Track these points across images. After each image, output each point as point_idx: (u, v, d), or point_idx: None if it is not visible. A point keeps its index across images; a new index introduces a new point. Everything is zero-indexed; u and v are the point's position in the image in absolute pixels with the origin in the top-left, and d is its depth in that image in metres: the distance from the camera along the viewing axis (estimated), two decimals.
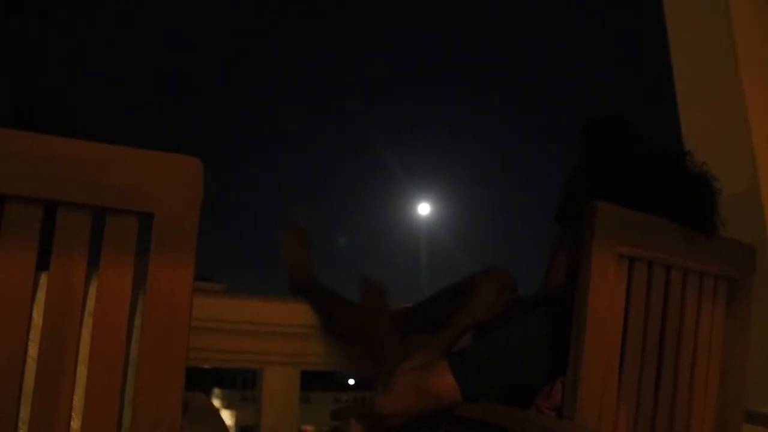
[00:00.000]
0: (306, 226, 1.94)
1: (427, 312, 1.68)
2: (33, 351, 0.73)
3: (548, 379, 1.15)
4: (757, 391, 1.46)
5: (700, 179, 1.26)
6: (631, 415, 1.12)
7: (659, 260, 1.16)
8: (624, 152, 1.31)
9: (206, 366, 2.28)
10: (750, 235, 1.38)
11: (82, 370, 0.74)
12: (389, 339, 1.60)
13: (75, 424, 0.74)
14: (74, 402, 0.74)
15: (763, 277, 1.32)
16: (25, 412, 0.72)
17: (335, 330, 1.85)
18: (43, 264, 0.73)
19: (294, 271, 1.91)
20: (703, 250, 1.21)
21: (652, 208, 1.17)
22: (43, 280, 0.74)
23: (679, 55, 2.44)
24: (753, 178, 2.11)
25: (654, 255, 1.15)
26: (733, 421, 1.26)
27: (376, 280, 1.89)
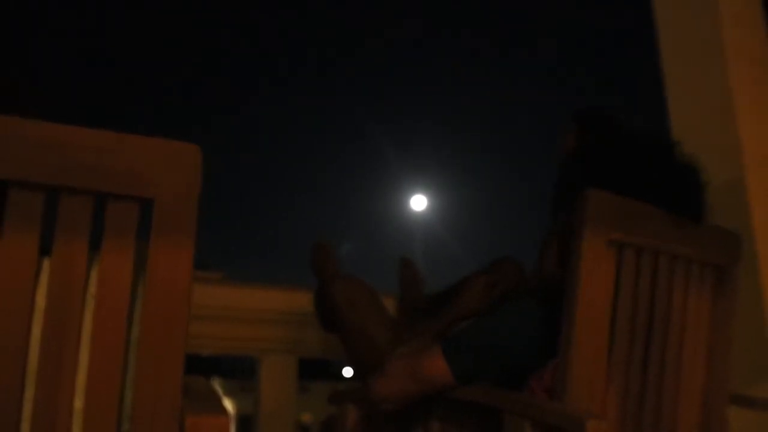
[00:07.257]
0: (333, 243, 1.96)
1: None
2: (37, 333, 0.75)
3: (540, 362, 1.18)
4: (742, 376, 1.49)
5: (689, 169, 1.28)
6: (619, 396, 1.15)
7: (648, 246, 1.19)
8: (615, 141, 1.33)
9: (204, 353, 2.31)
10: (735, 224, 1.40)
11: (84, 352, 0.76)
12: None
13: (78, 404, 0.76)
14: (77, 383, 0.75)
15: (747, 264, 1.34)
16: (29, 392, 0.74)
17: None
18: (45, 249, 0.75)
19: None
20: (691, 238, 1.24)
21: (642, 196, 1.19)
22: (46, 265, 0.76)
23: (668, 50, 2.46)
24: (739, 170, 2.14)
25: (643, 241, 1.18)
26: (718, 403, 1.29)
27: (413, 264, 1.95)
